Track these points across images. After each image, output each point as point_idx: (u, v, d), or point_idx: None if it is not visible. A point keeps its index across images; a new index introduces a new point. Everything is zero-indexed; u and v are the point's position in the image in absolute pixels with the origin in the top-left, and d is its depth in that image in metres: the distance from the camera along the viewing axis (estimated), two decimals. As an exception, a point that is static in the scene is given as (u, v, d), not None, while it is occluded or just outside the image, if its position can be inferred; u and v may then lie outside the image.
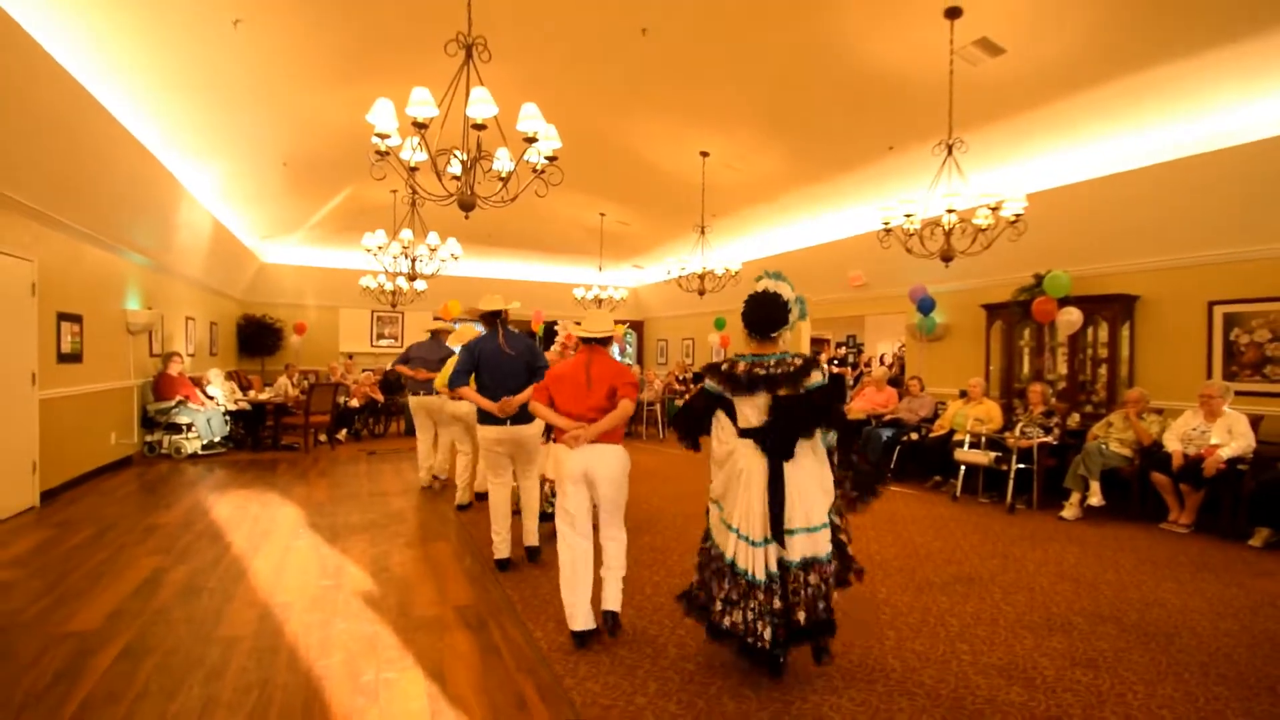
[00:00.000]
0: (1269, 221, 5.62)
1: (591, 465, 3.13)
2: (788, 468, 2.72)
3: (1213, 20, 4.35)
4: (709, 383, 2.94)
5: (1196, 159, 5.71)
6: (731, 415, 2.87)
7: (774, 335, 2.87)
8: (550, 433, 4.57)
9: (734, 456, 2.82)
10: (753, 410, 2.79)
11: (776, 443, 2.71)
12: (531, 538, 4.42)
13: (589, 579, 3.14)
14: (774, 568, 2.71)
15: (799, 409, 2.70)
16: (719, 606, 2.79)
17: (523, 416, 4.15)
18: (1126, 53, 4.79)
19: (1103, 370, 6.97)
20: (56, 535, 4.78)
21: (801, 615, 2.69)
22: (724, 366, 2.89)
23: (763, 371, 2.77)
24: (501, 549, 4.23)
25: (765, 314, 2.87)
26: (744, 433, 2.82)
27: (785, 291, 2.91)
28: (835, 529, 2.87)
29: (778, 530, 2.69)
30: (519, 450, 4.30)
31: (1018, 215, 4.96)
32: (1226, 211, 5.84)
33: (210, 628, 3.26)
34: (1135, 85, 5.14)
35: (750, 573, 2.72)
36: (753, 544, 2.72)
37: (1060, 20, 4.53)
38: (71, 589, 3.74)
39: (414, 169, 3.88)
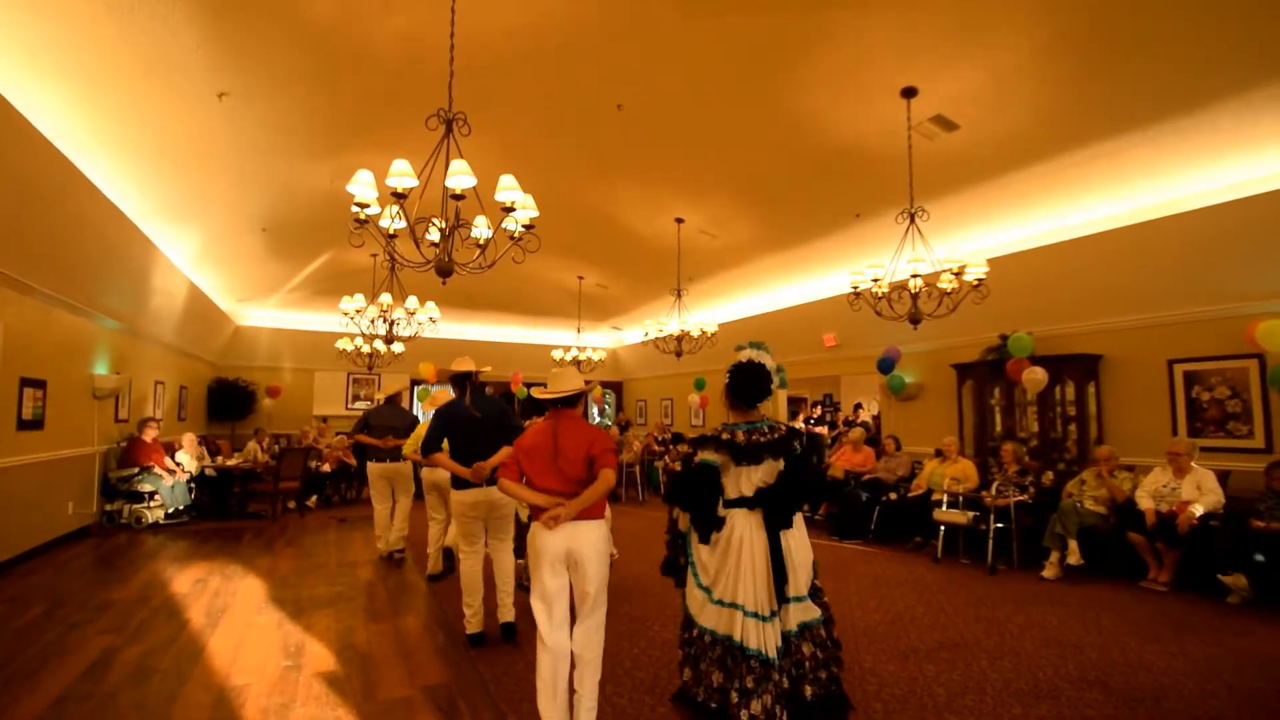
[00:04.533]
0: (1220, 283, 5.90)
1: (574, 544, 2.77)
2: (784, 533, 2.70)
3: (1148, 100, 4.67)
4: (707, 455, 2.82)
5: (1149, 224, 6.01)
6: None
7: (758, 404, 2.91)
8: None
9: (729, 529, 2.74)
10: (746, 480, 2.77)
11: (779, 511, 2.69)
12: (507, 612, 4.18)
13: (567, 686, 2.83)
14: (780, 642, 2.61)
15: (798, 477, 2.73)
16: (735, 699, 2.57)
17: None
18: (1072, 129, 5.09)
19: (1073, 428, 7.10)
20: (4, 612, 4.52)
21: (808, 690, 2.57)
22: (724, 436, 2.83)
23: (762, 439, 2.79)
24: (473, 623, 4.06)
25: (753, 385, 2.91)
26: (730, 503, 2.78)
27: (767, 361, 2.97)
28: (818, 590, 2.84)
29: (782, 598, 2.62)
30: (493, 514, 4.18)
31: (980, 279, 5.15)
32: (1180, 273, 6.12)
33: (161, 714, 3.06)
34: (1083, 158, 5.46)
35: (764, 651, 2.58)
36: (762, 619, 2.62)
37: (1008, 99, 4.83)
38: (17, 671, 3.52)
39: (393, 236, 3.93)
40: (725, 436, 2.83)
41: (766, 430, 2.81)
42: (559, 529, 2.77)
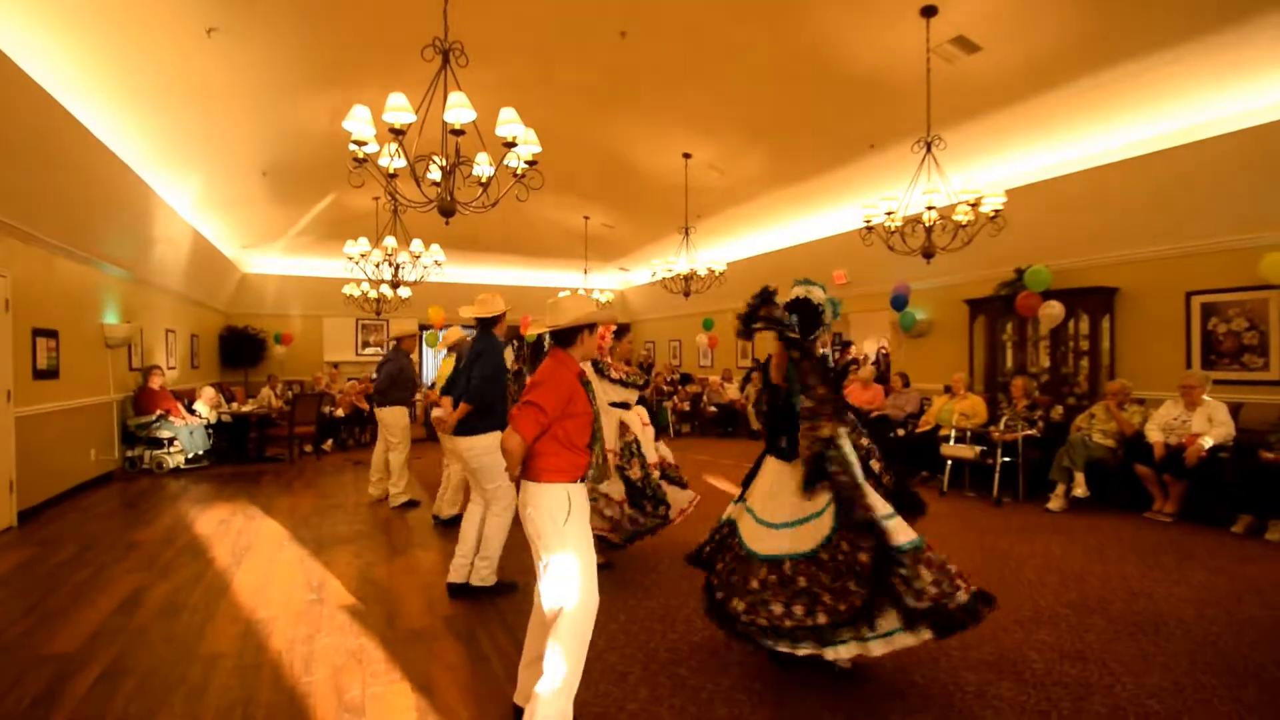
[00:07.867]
0: (1243, 212, 5.71)
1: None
2: None
3: (1181, 16, 4.41)
4: None
5: (1171, 152, 5.79)
6: None
7: (811, 339, 2.88)
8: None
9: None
10: None
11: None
12: (486, 576, 3.84)
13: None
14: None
15: None
16: None
17: (464, 428, 3.88)
18: (1099, 48, 4.84)
19: (1085, 363, 7.04)
20: (36, 554, 4.69)
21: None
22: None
23: None
24: (454, 572, 3.86)
25: (804, 321, 2.86)
26: None
27: (817, 295, 2.90)
28: None
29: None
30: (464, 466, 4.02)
31: (997, 211, 5.01)
32: (1201, 203, 5.92)
33: (191, 646, 3.20)
34: (1109, 80, 5.20)
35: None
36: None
37: (1034, 17, 4.57)
38: (52, 609, 3.67)
39: (393, 175, 3.84)
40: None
41: None
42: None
